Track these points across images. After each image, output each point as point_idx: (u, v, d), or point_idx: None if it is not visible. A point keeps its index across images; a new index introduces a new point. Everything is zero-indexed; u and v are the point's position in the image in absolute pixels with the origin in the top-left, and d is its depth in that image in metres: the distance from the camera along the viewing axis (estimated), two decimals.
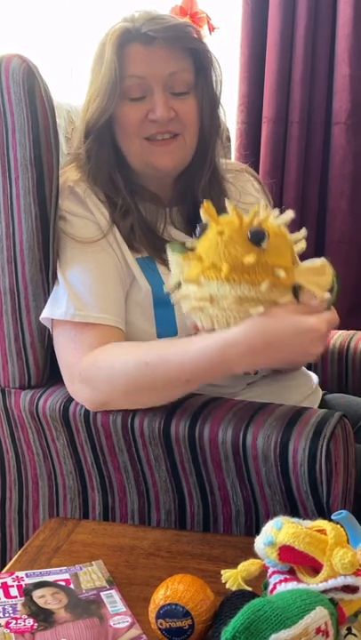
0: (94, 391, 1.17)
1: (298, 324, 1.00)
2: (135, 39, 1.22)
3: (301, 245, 1.06)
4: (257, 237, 1.00)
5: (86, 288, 1.21)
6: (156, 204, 1.31)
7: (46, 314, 1.23)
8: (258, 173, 2.31)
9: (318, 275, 1.04)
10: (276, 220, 1.05)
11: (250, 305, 1.01)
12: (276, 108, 2.39)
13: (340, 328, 1.65)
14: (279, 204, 2.32)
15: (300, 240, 1.06)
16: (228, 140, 1.62)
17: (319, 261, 1.05)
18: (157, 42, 1.21)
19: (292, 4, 2.36)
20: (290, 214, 1.05)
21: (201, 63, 1.27)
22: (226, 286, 1.00)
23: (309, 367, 1.56)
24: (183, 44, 1.24)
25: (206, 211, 1.04)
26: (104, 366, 1.15)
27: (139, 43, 1.22)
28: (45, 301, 1.24)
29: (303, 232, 1.06)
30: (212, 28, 2.39)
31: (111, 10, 1.31)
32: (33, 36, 2.26)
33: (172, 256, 1.08)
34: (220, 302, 1.02)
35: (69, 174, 1.29)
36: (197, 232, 1.05)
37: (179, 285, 1.07)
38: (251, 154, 2.39)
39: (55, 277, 1.24)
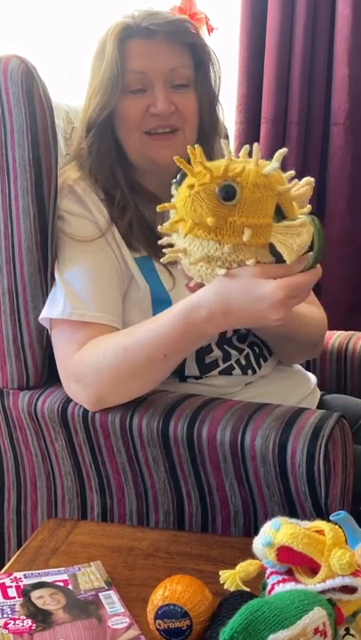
0: (86, 388, 1.17)
1: (254, 290, 0.98)
2: (136, 34, 1.23)
3: (302, 191, 1.00)
4: (225, 194, 0.95)
5: (84, 287, 1.21)
6: (155, 204, 1.31)
7: (44, 314, 1.23)
8: None
9: (295, 234, 0.96)
10: (262, 168, 0.98)
11: (217, 265, 0.98)
12: (275, 109, 2.39)
13: (338, 328, 1.66)
14: None
15: (290, 189, 0.99)
16: (227, 138, 1.62)
17: (298, 220, 0.98)
18: (158, 36, 1.22)
19: (291, 5, 2.36)
20: (274, 165, 0.98)
21: (200, 59, 1.28)
22: (195, 242, 0.98)
23: (308, 368, 1.56)
24: (183, 39, 1.25)
25: (180, 160, 0.98)
26: (89, 361, 1.16)
27: (139, 37, 1.23)
28: (44, 302, 1.24)
29: (295, 181, 1.00)
30: (210, 29, 2.39)
31: (110, 10, 1.31)
32: (32, 37, 2.26)
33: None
34: (191, 257, 1.00)
35: (69, 173, 1.29)
36: (176, 180, 1.01)
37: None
38: (249, 155, 2.38)
39: (53, 278, 1.24)
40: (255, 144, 1.01)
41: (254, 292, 0.98)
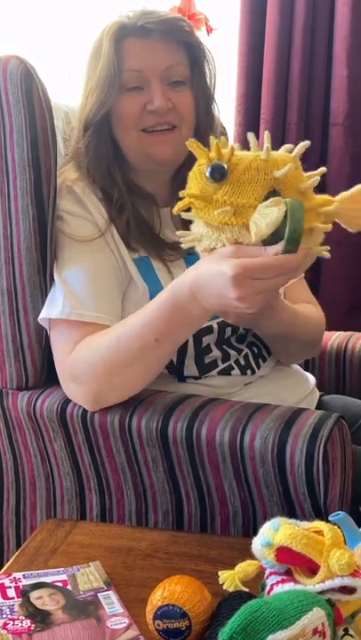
0: (83, 386, 1.17)
1: (218, 266, 0.98)
2: (131, 33, 1.24)
3: (310, 182, 1.00)
4: (212, 172, 0.99)
5: (83, 287, 1.21)
6: (151, 204, 1.31)
7: (44, 314, 1.23)
8: None
9: (267, 214, 0.95)
10: (259, 152, 1.01)
11: (207, 241, 1.02)
12: (274, 110, 2.39)
13: (338, 329, 1.66)
14: None
15: (285, 174, 0.98)
16: (225, 136, 1.62)
17: (271, 199, 0.96)
18: (153, 35, 1.23)
19: (290, 6, 2.36)
20: (267, 146, 1.01)
21: (195, 57, 1.29)
22: (195, 220, 1.03)
23: (307, 368, 1.56)
24: (178, 37, 1.26)
25: (191, 143, 1.03)
26: (84, 357, 1.16)
27: (135, 37, 1.24)
28: (43, 302, 1.24)
29: (290, 166, 0.99)
30: (210, 30, 2.39)
31: (109, 10, 1.31)
32: (31, 38, 2.26)
33: None
34: (200, 242, 1.04)
35: (67, 174, 1.29)
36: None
37: None
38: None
39: (53, 278, 1.25)
40: (266, 132, 1.04)
41: (218, 267, 0.98)
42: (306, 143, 1.02)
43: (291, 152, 1.04)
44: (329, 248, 1.03)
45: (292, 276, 1.01)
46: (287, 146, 1.05)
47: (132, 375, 1.16)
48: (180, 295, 1.06)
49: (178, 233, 1.08)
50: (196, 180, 1.02)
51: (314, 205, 1.01)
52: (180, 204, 1.03)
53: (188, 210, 1.04)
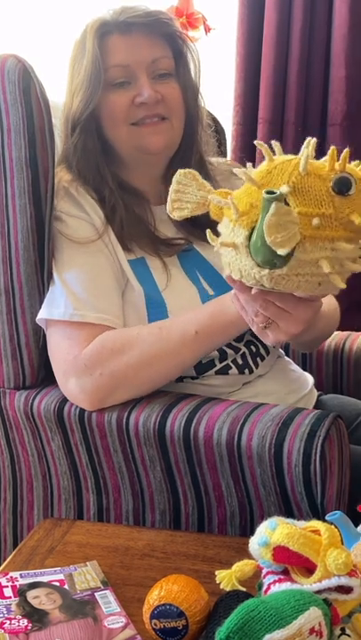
0: (99, 377, 1.16)
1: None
2: (114, 29, 1.25)
3: None
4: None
5: (84, 288, 1.21)
6: (143, 202, 1.31)
7: (44, 314, 1.23)
8: None
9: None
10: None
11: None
12: (272, 109, 2.39)
13: (336, 329, 1.66)
14: None
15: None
16: (222, 135, 1.62)
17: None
18: (136, 29, 1.24)
19: (288, 5, 2.36)
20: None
21: (179, 49, 1.29)
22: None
23: (305, 368, 1.56)
24: (161, 30, 1.26)
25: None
26: (112, 346, 1.16)
27: (118, 33, 1.25)
28: (41, 302, 1.24)
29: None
30: (208, 29, 2.39)
31: (102, 10, 1.31)
32: (29, 36, 2.26)
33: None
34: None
35: (62, 174, 1.29)
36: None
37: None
38: (246, 155, 2.39)
39: (50, 277, 1.24)
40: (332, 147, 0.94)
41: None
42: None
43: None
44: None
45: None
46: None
47: (159, 369, 1.18)
48: (221, 298, 1.16)
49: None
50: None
51: None
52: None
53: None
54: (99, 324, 1.19)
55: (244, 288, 0.94)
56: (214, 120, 1.52)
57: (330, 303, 1.36)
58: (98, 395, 1.18)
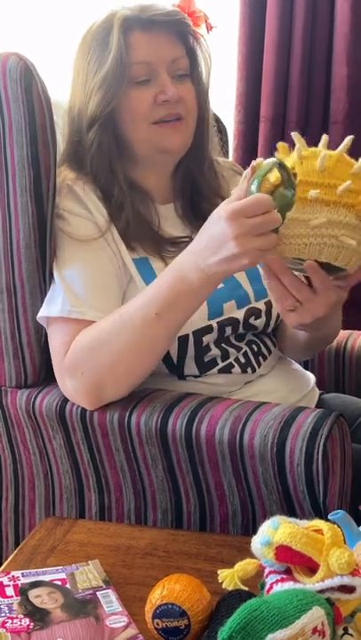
0: (84, 377, 1.16)
1: (211, 216, 1.04)
2: (136, 26, 1.24)
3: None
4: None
5: (83, 286, 1.21)
6: (148, 201, 1.31)
7: (43, 312, 1.23)
8: None
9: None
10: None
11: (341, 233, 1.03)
12: (274, 108, 2.39)
13: None
14: None
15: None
16: (224, 134, 1.62)
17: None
18: (157, 26, 1.24)
19: (290, 4, 2.35)
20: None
21: (193, 49, 1.29)
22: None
23: (306, 367, 1.56)
24: (179, 29, 1.27)
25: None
26: (84, 345, 1.16)
27: (140, 29, 1.24)
28: (42, 300, 1.24)
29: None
30: (209, 27, 2.39)
31: (109, 8, 1.31)
32: (31, 35, 2.26)
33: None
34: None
35: (66, 173, 1.29)
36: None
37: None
38: (248, 154, 2.38)
39: (52, 276, 1.24)
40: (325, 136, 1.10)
41: (213, 215, 1.04)
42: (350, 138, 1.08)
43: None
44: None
45: (271, 222, 1.00)
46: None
47: (134, 359, 1.15)
48: (179, 264, 1.09)
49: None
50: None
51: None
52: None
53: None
54: (96, 321, 1.19)
55: (283, 270, 1.05)
56: (217, 119, 1.52)
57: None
58: (90, 394, 1.18)
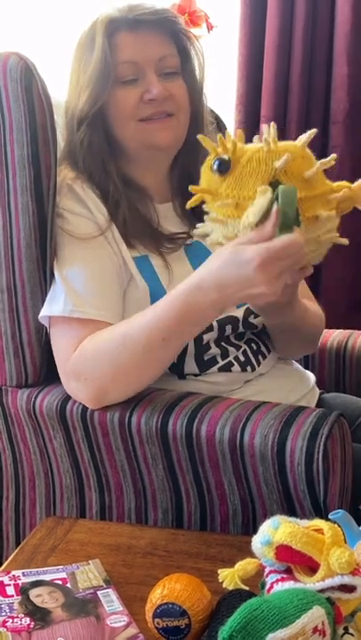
0: (87, 383, 1.17)
1: (239, 256, 1.00)
2: (122, 26, 1.24)
3: (313, 169, 1.03)
4: (219, 166, 1.02)
5: (84, 285, 1.21)
6: (146, 199, 1.31)
7: (44, 312, 1.23)
8: None
9: (254, 203, 1.01)
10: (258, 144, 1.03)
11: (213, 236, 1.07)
12: (275, 107, 2.39)
13: (337, 327, 1.66)
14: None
15: (287, 162, 1.01)
16: (222, 125, 1.62)
17: (260, 187, 1.01)
18: (144, 26, 1.24)
19: (291, 3, 2.35)
20: (272, 132, 1.03)
21: (184, 47, 1.29)
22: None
23: (307, 366, 1.56)
24: (168, 28, 1.27)
25: (204, 138, 1.06)
26: (89, 354, 1.16)
27: (126, 30, 1.24)
28: (43, 299, 1.24)
29: (287, 155, 1.02)
30: (210, 27, 2.39)
31: (109, 7, 1.31)
32: (31, 34, 2.26)
33: None
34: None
35: (65, 172, 1.29)
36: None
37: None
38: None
39: (53, 275, 1.24)
40: (272, 124, 1.06)
41: (239, 257, 1.01)
42: (313, 131, 1.06)
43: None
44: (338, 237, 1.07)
45: (301, 260, 1.02)
46: (302, 137, 1.08)
47: (136, 374, 1.16)
48: (192, 295, 1.07)
49: (195, 232, 1.12)
50: (205, 174, 1.05)
51: (320, 193, 1.03)
52: (192, 199, 1.06)
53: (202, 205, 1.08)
54: (100, 320, 1.19)
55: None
56: (217, 118, 1.52)
57: (315, 308, 1.36)
58: (93, 398, 1.18)
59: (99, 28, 1.24)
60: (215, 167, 1.02)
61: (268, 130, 1.03)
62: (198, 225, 1.11)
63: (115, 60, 1.23)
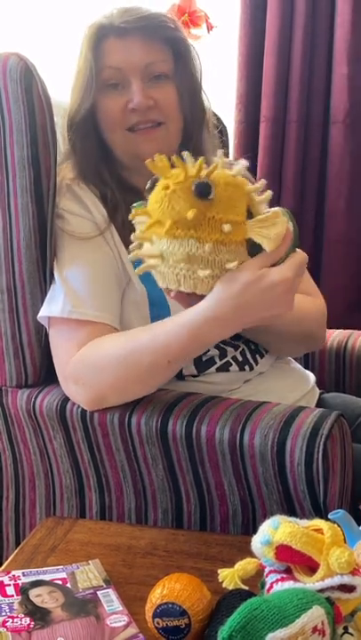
0: (86, 388, 1.17)
1: (264, 280, 1.00)
2: (110, 33, 1.25)
3: (266, 195, 1.01)
4: (201, 190, 0.96)
5: (83, 286, 1.21)
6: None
7: (43, 312, 1.23)
8: (256, 173, 2.31)
9: (270, 225, 1.00)
10: (231, 169, 1.00)
11: (198, 265, 0.98)
12: (275, 108, 2.39)
13: (337, 327, 1.66)
14: (277, 203, 2.32)
15: (258, 189, 1.01)
16: (225, 134, 1.62)
17: (271, 210, 1.01)
18: (132, 33, 1.24)
19: (291, 3, 2.35)
20: (243, 163, 1.01)
21: (179, 51, 1.29)
22: (174, 243, 0.97)
23: (306, 366, 1.56)
24: (158, 34, 1.26)
25: (153, 164, 0.98)
26: (91, 362, 1.16)
27: (114, 36, 1.25)
28: (43, 300, 1.24)
29: (262, 181, 1.02)
30: (210, 27, 2.39)
31: (109, 8, 1.31)
32: (31, 35, 2.26)
33: (138, 219, 1.06)
34: (169, 260, 0.99)
35: (65, 172, 1.29)
36: (148, 186, 1.01)
37: (140, 245, 1.04)
38: (249, 153, 2.39)
39: (52, 276, 1.24)
40: (219, 151, 1.04)
41: (265, 281, 1.00)
42: (243, 163, 1.03)
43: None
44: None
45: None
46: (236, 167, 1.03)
47: (138, 388, 1.17)
48: (203, 331, 1.06)
49: (130, 256, 1.05)
50: (181, 198, 0.96)
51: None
52: (167, 227, 0.97)
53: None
54: (98, 322, 1.19)
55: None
56: (217, 119, 1.52)
57: (308, 303, 1.34)
58: (92, 402, 1.18)
59: (87, 35, 1.25)
60: (198, 191, 0.95)
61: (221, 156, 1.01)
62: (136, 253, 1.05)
63: (101, 65, 1.24)
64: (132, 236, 1.04)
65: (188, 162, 0.99)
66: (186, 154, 1.00)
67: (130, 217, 1.03)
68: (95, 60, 1.24)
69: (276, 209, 1.01)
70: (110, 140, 1.28)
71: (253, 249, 1.00)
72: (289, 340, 1.32)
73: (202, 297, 1.03)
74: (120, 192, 1.27)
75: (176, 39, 1.28)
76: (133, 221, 1.04)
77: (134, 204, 1.04)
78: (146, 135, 1.25)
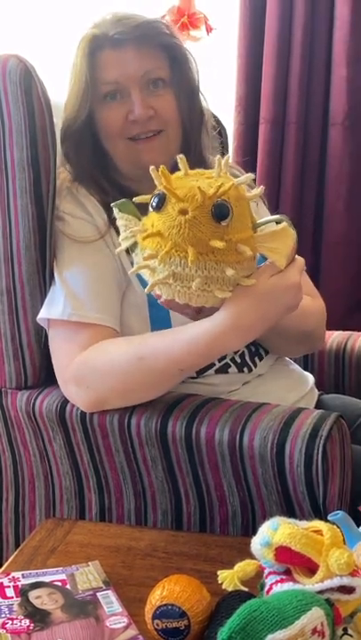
0: (88, 391, 1.17)
1: (277, 288, 1.05)
2: (105, 45, 1.24)
3: (258, 191, 1.02)
4: (221, 214, 0.96)
5: (83, 288, 1.21)
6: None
7: (43, 314, 1.23)
8: (255, 174, 2.32)
9: (278, 240, 1.02)
10: (231, 170, 1.03)
11: (215, 286, 0.99)
12: (274, 110, 2.39)
13: (337, 328, 1.66)
14: (276, 205, 2.32)
15: (258, 196, 1.03)
16: (224, 136, 1.62)
17: (280, 226, 1.03)
18: (126, 43, 1.23)
19: (290, 5, 2.35)
20: (250, 175, 1.01)
21: (175, 57, 1.28)
22: (192, 268, 0.97)
23: (306, 367, 1.56)
24: (153, 41, 1.25)
25: (163, 182, 0.97)
26: (96, 365, 1.16)
27: (108, 48, 1.24)
28: (42, 301, 1.24)
29: (261, 188, 1.03)
30: (209, 29, 2.39)
31: (109, 10, 1.31)
32: (30, 36, 2.26)
33: (122, 219, 1.06)
34: (185, 281, 0.99)
35: (65, 174, 1.29)
36: (155, 203, 0.99)
37: (134, 248, 1.05)
38: (248, 155, 2.39)
39: (52, 277, 1.24)
40: (218, 156, 1.03)
41: (278, 289, 1.05)
42: (251, 176, 1.03)
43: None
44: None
45: None
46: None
47: (144, 393, 1.17)
48: (220, 341, 1.07)
49: (132, 270, 1.06)
50: (203, 226, 0.95)
51: None
52: (192, 256, 0.95)
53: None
54: (98, 324, 1.19)
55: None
56: (217, 121, 1.52)
57: (307, 302, 1.34)
58: (93, 405, 1.18)
59: (81, 47, 1.25)
60: (220, 215, 0.95)
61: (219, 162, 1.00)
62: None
63: (98, 79, 1.24)
64: (125, 239, 1.05)
65: (184, 168, 1.00)
66: (181, 160, 1.00)
67: (116, 219, 1.06)
68: (91, 73, 1.23)
69: (284, 224, 1.04)
70: (111, 150, 1.28)
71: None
72: (290, 338, 1.32)
73: (211, 309, 1.05)
74: (121, 198, 1.27)
75: (171, 45, 1.28)
76: (118, 223, 1.06)
77: (117, 202, 1.06)
78: (147, 144, 1.25)
